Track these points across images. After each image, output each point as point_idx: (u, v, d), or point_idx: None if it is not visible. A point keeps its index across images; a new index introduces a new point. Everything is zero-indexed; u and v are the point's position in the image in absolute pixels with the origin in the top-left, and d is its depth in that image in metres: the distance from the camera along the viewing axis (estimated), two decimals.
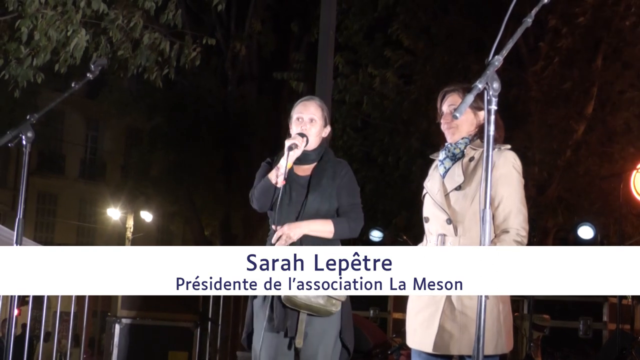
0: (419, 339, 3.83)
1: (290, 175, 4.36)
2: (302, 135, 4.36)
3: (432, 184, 3.97)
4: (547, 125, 13.02)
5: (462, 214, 3.81)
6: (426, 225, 3.97)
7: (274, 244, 4.25)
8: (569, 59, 12.98)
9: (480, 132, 3.92)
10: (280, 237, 4.24)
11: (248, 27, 19.14)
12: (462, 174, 3.85)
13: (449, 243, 3.82)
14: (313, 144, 4.42)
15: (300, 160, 4.41)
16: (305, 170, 4.41)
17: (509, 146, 3.87)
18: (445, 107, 4.00)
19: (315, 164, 4.42)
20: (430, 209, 3.94)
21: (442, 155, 3.99)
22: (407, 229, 12.22)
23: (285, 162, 4.27)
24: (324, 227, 4.27)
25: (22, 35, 8.92)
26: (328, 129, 4.52)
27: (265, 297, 4.28)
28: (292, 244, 4.22)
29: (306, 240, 4.24)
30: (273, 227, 4.31)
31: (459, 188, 3.83)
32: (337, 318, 4.24)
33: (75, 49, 8.94)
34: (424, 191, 4.03)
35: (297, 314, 4.19)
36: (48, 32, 8.86)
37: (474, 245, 3.65)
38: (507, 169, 3.81)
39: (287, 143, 4.29)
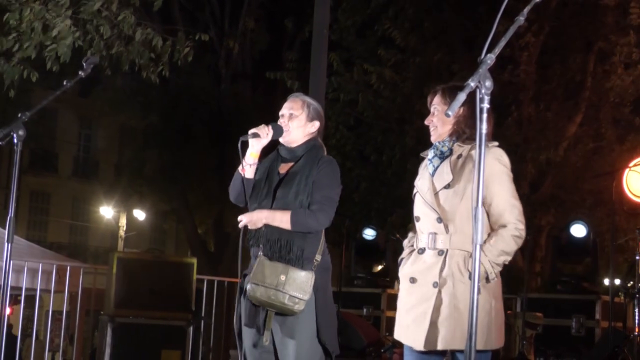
0: (412, 335, 3.84)
1: (273, 172, 4.37)
2: (271, 124, 4.34)
3: (422, 183, 3.99)
4: (539, 121, 13.06)
5: (452, 212, 3.82)
6: (417, 225, 3.98)
7: (255, 239, 4.27)
8: (554, 54, 13.03)
9: (456, 130, 3.95)
10: (242, 221, 4.26)
11: (241, 25, 19.13)
12: (451, 172, 3.86)
13: (440, 241, 3.84)
14: (296, 139, 4.39)
15: (286, 158, 4.40)
16: (288, 167, 4.38)
17: (496, 143, 3.89)
18: (431, 108, 4.06)
19: (297, 161, 4.38)
20: (421, 208, 3.95)
21: (431, 153, 4.01)
22: (402, 227, 12.22)
23: (248, 152, 4.30)
24: (283, 217, 4.20)
25: (10, 27, 8.88)
26: (315, 124, 4.44)
27: (244, 295, 4.30)
28: (257, 232, 4.25)
29: (272, 237, 4.22)
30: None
31: (447, 186, 3.85)
32: (311, 317, 4.18)
33: (60, 44, 8.88)
34: (415, 190, 4.05)
35: (266, 311, 4.18)
36: (33, 24, 8.83)
37: (466, 243, 3.73)
38: (495, 166, 3.82)
39: (249, 132, 4.29)
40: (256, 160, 4.34)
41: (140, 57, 9.71)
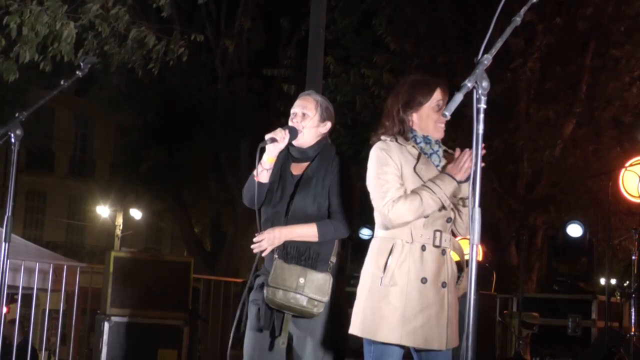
0: (424, 336, 3.70)
1: (285, 173, 4.32)
2: (287, 128, 4.28)
3: (429, 176, 3.80)
4: (535, 122, 13.06)
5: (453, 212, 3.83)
6: (422, 221, 3.76)
7: (253, 247, 4.21)
8: (553, 57, 13.02)
9: None
10: (260, 241, 4.18)
11: (237, 25, 19.13)
12: None
13: (445, 240, 3.78)
14: (308, 139, 4.34)
15: (297, 158, 4.36)
16: (301, 168, 4.33)
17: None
18: (442, 102, 3.88)
19: (310, 162, 4.33)
20: None
21: (438, 147, 3.90)
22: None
23: (265, 157, 4.23)
24: (308, 232, 4.16)
25: (12, 31, 8.89)
26: (327, 125, 4.42)
27: (255, 296, 4.27)
28: (288, 251, 4.18)
29: (290, 244, 4.18)
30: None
31: None
32: (325, 319, 4.16)
33: (65, 43, 8.90)
34: (414, 182, 3.79)
35: (282, 314, 4.15)
36: (35, 27, 8.83)
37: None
38: None
39: (267, 137, 4.22)
40: (272, 165, 4.27)
41: (132, 55, 9.71)
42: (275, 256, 4.18)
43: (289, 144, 4.35)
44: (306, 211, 4.20)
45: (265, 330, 4.22)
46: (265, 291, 4.14)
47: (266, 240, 4.18)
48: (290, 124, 4.36)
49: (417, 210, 3.69)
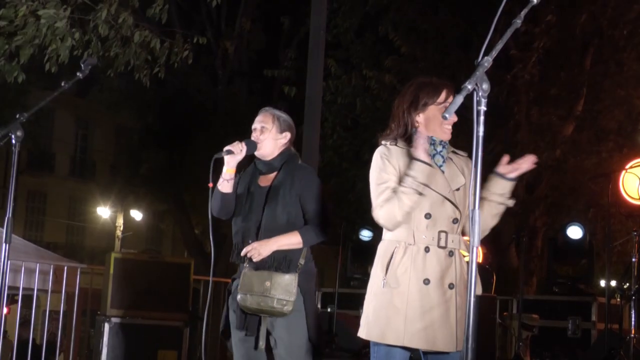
0: (428, 338, 3.66)
1: (253, 186, 4.55)
2: (245, 141, 4.49)
3: (434, 179, 3.74)
4: (533, 124, 13.07)
5: (463, 213, 3.80)
6: (425, 222, 3.73)
7: (242, 256, 4.43)
8: (554, 60, 13.03)
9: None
10: (249, 251, 4.39)
11: (238, 26, 19.14)
12: (461, 173, 3.84)
13: (451, 241, 3.75)
14: (269, 150, 4.57)
15: (263, 171, 4.59)
16: (268, 179, 4.55)
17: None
18: (449, 104, 3.86)
19: (277, 173, 4.55)
20: (436, 205, 3.74)
21: (442, 148, 3.82)
22: None
23: (224, 168, 4.49)
24: (292, 240, 4.41)
25: (6, 27, 8.90)
26: (287, 135, 4.61)
27: (232, 300, 4.52)
28: (263, 259, 4.40)
29: (277, 253, 4.40)
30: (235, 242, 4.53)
31: (458, 189, 3.80)
32: (302, 317, 4.41)
33: (60, 47, 8.90)
34: (416, 184, 3.67)
35: (257, 317, 4.41)
36: (27, 19, 8.84)
37: (463, 243, 3.79)
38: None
39: (224, 149, 4.44)
40: (232, 176, 4.51)
41: (136, 59, 9.72)
42: (246, 265, 4.43)
43: (256, 159, 4.61)
44: (277, 221, 4.43)
45: (242, 331, 4.46)
46: (237, 298, 4.42)
47: (255, 250, 4.39)
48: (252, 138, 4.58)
49: (400, 208, 3.68)
